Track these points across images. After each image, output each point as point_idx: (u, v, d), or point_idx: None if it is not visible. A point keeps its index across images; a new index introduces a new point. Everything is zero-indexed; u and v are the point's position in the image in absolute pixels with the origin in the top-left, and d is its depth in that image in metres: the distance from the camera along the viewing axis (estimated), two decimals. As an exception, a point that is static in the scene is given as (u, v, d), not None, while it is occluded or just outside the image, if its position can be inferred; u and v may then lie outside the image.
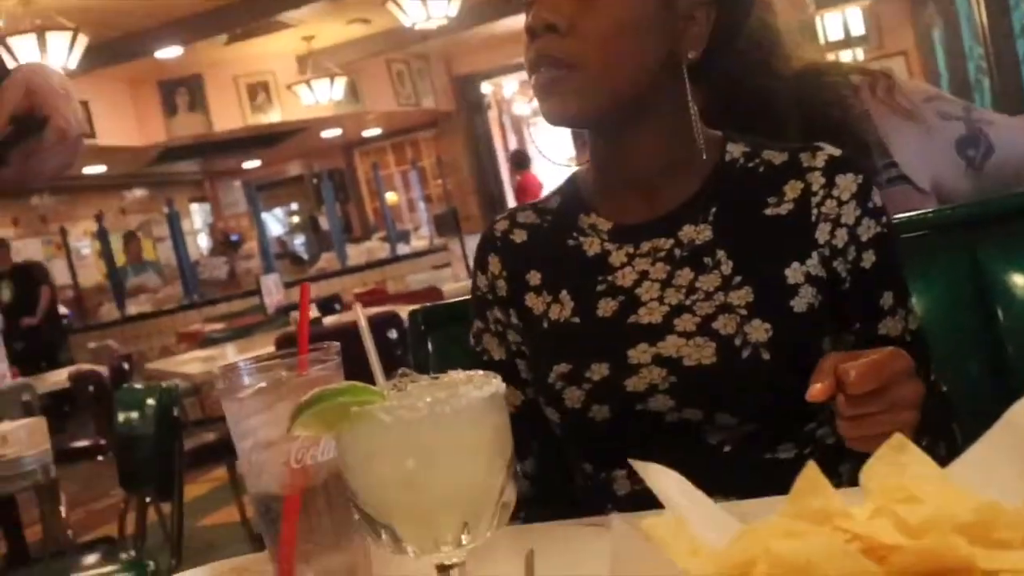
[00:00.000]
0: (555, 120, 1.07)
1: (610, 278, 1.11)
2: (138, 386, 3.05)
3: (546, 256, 1.17)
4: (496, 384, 0.69)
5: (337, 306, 6.62)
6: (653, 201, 1.12)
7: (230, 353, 5.11)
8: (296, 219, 15.89)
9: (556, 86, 1.05)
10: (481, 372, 0.71)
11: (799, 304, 1.04)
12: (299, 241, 15.23)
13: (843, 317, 1.07)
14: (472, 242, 6.57)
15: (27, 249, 11.89)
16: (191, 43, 8.37)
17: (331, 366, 0.86)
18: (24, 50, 6.13)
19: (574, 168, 1.23)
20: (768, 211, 1.08)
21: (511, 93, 14.61)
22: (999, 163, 1.52)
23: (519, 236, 1.20)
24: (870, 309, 1.07)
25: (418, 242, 11.58)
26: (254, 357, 0.87)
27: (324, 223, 13.24)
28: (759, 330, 1.02)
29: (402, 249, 10.48)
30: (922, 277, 1.28)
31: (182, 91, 9.88)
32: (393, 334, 3.84)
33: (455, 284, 6.68)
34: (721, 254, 1.07)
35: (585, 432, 1.09)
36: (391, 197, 13.27)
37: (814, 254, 1.05)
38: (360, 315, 0.75)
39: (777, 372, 1.01)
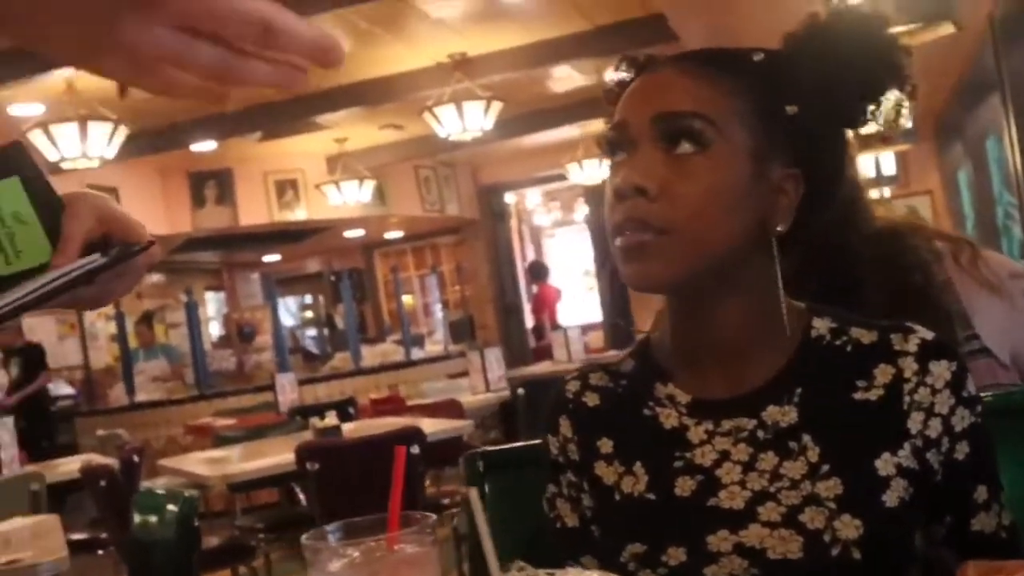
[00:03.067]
0: (638, 285, 1.05)
1: (688, 455, 1.07)
2: (160, 491, 2.98)
3: (619, 424, 1.13)
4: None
5: (351, 410, 6.54)
6: (735, 377, 1.08)
7: (243, 455, 5.03)
8: (310, 313, 15.90)
9: (643, 250, 1.03)
10: (597, 573, 0.67)
11: (891, 498, 0.99)
12: (310, 334, 15.20)
13: (934, 510, 1.03)
14: (491, 355, 6.52)
15: (41, 327, 11.87)
16: (226, 139, 8.48)
17: (426, 541, 0.82)
18: (65, 138, 6.20)
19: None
20: (857, 395, 1.04)
21: (533, 205, 14.75)
22: None
23: (591, 399, 1.16)
24: (963, 503, 1.03)
25: (432, 347, 11.54)
26: (354, 535, 0.82)
27: (339, 321, 13.24)
28: (849, 527, 0.97)
29: (416, 353, 10.42)
30: (1014, 462, 1.23)
31: (211, 184, 9.96)
32: (416, 449, 3.77)
33: (473, 397, 6.61)
34: (807, 439, 1.03)
35: None
36: (408, 300, 13.29)
37: (906, 445, 1.01)
38: (475, 501, 0.71)
39: (868, 571, 0.97)
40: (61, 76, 6.20)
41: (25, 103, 6.86)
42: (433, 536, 0.82)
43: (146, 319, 10.85)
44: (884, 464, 1.01)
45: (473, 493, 0.72)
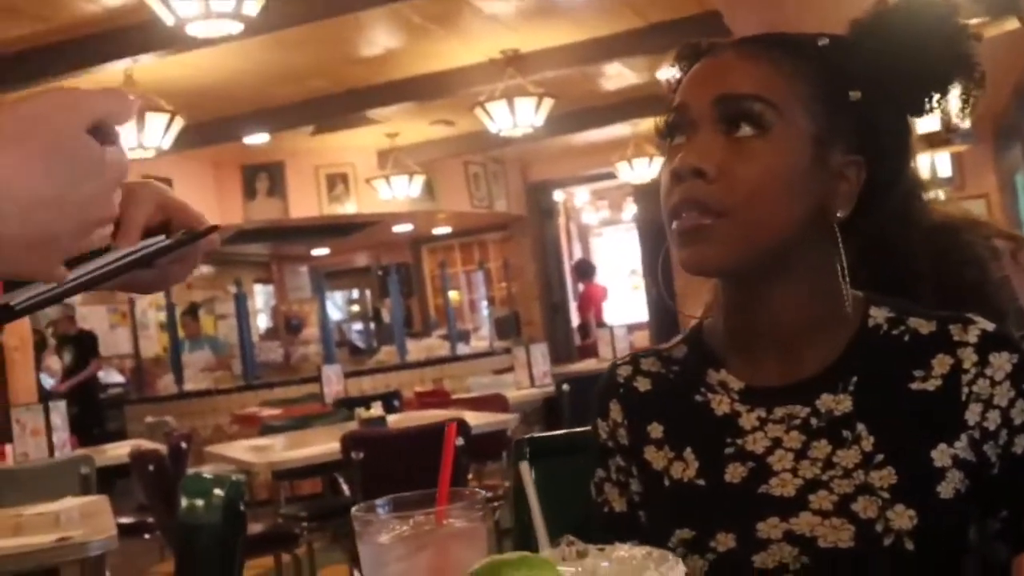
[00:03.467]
0: (694, 268, 1.03)
1: (739, 441, 1.06)
2: (207, 475, 3.01)
3: (670, 409, 1.12)
4: (679, 569, 0.64)
5: (396, 402, 6.56)
6: (790, 364, 1.07)
7: (288, 444, 5.06)
8: (356, 307, 16.00)
9: (700, 233, 1.01)
10: (657, 551, 0.67)
11: (946, 490, 0.98)
12: (356, 328, 15.29)
13: (989, 503, 1.01)
14: (537, 351, 6.51)
15: (94, 316, 12.06)
16: (278, 132, 8.55)
17: (475, 517, 0.82)
18: (123, 128, 6.26)
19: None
20: (914, 385, 1.02)
21: (581, 203, 14.72)
22: None
23: (643, 384, 1.15)
24: (1020, 498, 1.01)
25: (478, 343, 11.57)
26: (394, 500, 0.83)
27: (386, 315, 13.30)
28: (903, 517, 0.96)
29: (461, 349, 10.44)
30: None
31: (263, 176, 10.05)
32: (460, 441, 3.78)
33: (518, 392, 6.60)
34: (861, 428, 1.02)
35: None
36: (454, 296, 13.32)
37: (963, 436, 1.00)
38: (525, 474, 0.71)
39: (921, 562, 0.95)
40: (119, 67, 6.29)
41: (83, 93, 6.96)
42: (483, 512, 0.82)
43: (192, 311, 10.97)
44: (940, 455, 0.99)
45: (524, 467, 0.72)
